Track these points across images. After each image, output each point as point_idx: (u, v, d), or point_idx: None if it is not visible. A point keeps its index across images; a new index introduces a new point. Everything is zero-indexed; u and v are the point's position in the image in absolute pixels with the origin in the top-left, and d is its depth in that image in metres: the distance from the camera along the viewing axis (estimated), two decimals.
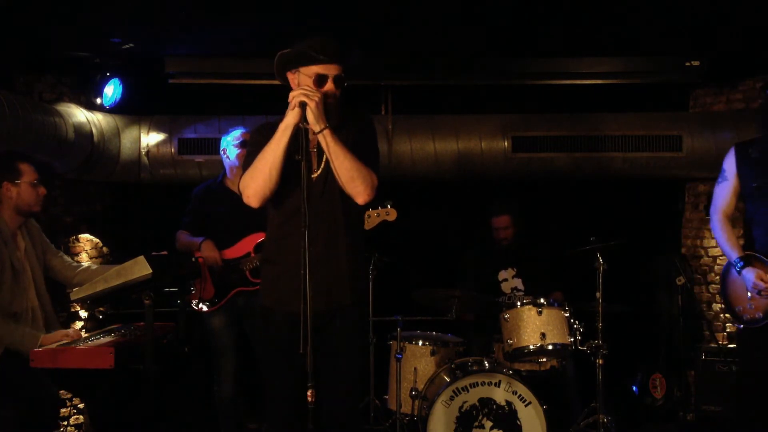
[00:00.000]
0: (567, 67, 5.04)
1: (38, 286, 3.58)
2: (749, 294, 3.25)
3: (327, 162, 2.65)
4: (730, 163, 3.38)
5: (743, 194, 3.35)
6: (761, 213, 3.28)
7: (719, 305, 5.51)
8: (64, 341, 3.36)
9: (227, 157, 4.06)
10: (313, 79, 2.61)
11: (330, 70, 2.61)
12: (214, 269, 3.95)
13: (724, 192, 3.40)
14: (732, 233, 3.38)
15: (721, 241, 3.39)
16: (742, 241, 3.50)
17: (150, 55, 4.84)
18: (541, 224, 5.41)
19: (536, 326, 4.00)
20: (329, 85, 2.61)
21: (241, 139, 4.02)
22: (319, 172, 2.68)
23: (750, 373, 3.33)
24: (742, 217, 3.49)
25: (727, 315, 5.42)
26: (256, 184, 2.60)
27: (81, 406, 4.52)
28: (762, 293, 3.19)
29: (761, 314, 3.22)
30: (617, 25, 4.40)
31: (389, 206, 3.87)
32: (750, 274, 3.22)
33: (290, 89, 2.62)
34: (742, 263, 3.27)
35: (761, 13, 4.07)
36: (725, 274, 3.43)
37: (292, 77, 2.67)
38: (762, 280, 3.18)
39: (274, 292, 2.74)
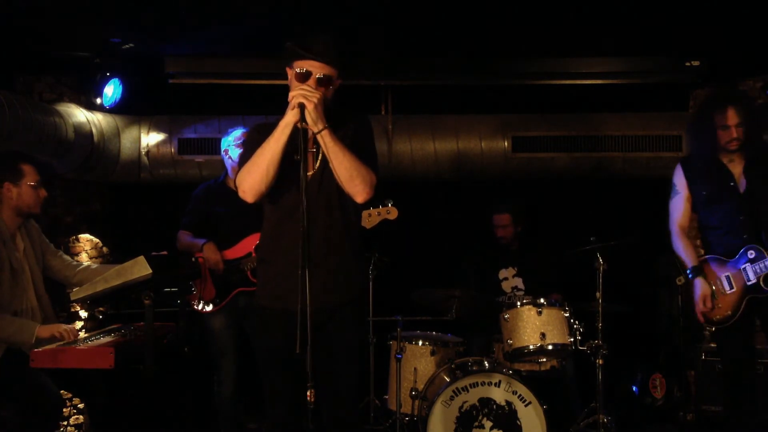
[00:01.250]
0: (567, 67, 5.04)
1: (37, 286, 3.58)
2: (714, 296, 3.51)
3: (323, 161, 2.65)
4: (679, 178, 3.69)
5: (696, 204, 3.63)
6: (715, 217, 3.54)
7: None
8: (62, 341, 3.36)
9: (229, 157, 4.06)
10: (294, 75, 2.61)
11: (314, 67, 2.59)
12: (215, 271, 3.95)
13: (679, 205, 3.68)
14: (688, 244, 3.64)
15: (680, 252, 3.65)
16: (702, 250, 3.72)
17: (150, 55, 4.84)
18: (541, 224, 5.41)
19: (536, 326, 4.00)
20: (311, 83, 2.58)
21: (242, 139, 4.01)
22: (314, 170, 2.68)
23: (731, 370, 3.55)
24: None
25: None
26: (253, 179, 2.60)
27: (81, 406, 4.52)
28: (703, 312, 3.49)
29: (730, 312, 3.46)
30: (617, 25, 4.40)
31: (390, 205, 3.87)
32: (698, 290, 3.52)
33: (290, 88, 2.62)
34: (691, 274, 3.57)
35: (761, 14, 4.07)
36: (691, 282, 3.64)
37: (289, 72, 2.67)
38: (704, 302, 3.48)
39: (270, 290, 2.73)
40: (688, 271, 3.58)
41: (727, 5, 4.01)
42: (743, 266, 3.43)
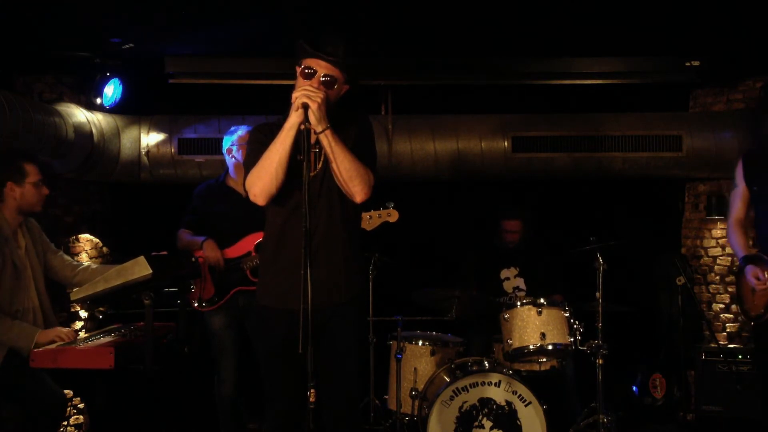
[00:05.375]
0: (567, 67, 5.04)
1: (38, 285, 3.57)
2: (753, 291, 3.47)
3: (325, 161, 2.65)
4: (738, 172, 3.66)
5: (752, 198, 3.61)
6: (759, 215, 3.54)
7: (719, 305, 5.52)
8: (61, 342, 3.35)
9: (233, 157, 4.05)
10: (300, 72, 2.60)
11: (320, 67, 2.59)
12: (215, 269, 3.95)
13: (736, 198, 3.68)
14: (741, 236, 3.63)
15: (732, 244, 3.67)
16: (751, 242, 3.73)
17: (150, 55, 4.84)
18: (541, 224, 5.41)
19: (536, 326, 4.00)
20: (315, 83, 2.58)
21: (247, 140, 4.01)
22: (316, 171, 2.68)
23: (763, 366, 3.59)
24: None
25: (727, 315, 5.45)
26: (263, 182, 2.60)
27: (81, 406, 4.52)
28: (757, 288, 3.43)
29: (762, 310, 3.45)
30: (617, 25, 4.40)
31: (391, 207, 3.88)
32: (748, 271, 3.46)
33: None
34: (742, 262, 3.53)
35: (761, 13, 4.07)
36: (738, 274, 3.63)
37: (298, 70, 2.66)
38: (756, 277, 3.41)
39: (271, 290, 2.74)
40: (740, 261, 3.56)
41: (727, 5, 4.00)
42: None
